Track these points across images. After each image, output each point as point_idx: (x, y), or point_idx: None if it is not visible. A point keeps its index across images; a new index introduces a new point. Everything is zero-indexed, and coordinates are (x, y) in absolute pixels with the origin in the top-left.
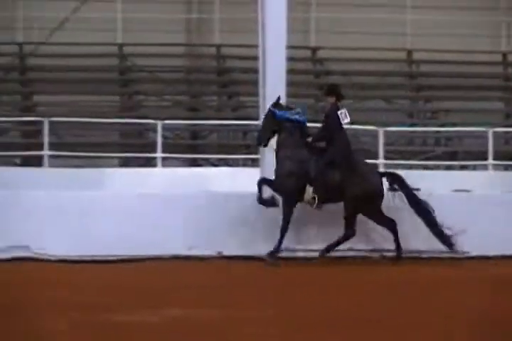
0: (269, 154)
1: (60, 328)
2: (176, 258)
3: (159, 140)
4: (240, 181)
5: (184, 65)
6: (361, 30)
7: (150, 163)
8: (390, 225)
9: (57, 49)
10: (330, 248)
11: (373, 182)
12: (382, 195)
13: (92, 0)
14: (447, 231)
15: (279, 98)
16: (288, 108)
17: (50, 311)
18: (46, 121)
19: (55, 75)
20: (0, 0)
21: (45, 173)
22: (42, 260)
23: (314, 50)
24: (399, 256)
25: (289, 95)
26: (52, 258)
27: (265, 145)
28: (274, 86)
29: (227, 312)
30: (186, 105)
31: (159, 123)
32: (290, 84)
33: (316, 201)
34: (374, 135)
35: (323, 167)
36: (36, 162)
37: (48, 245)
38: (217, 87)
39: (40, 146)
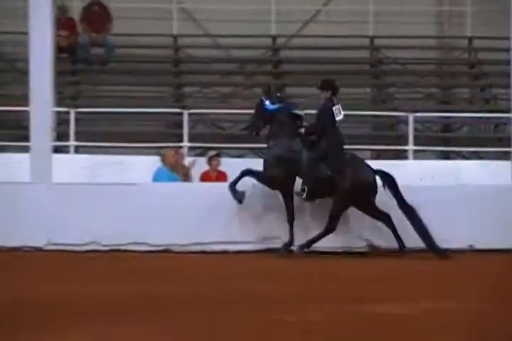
0: None
1: (315, 319)
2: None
3: (411, 132)
4: (491, 174)
5: (435, 57)
6: None
7: (401, 155)
8: (385, 219)
9: (309, 41)
10: (309, 243)
11: (366, 178)
12: (375, 190)
13: None
14: (432, 235)
15: (269, 87)
16: (278, 97)
17: (305, 302)
18: None
19: (307, 67)
20: None
21: None
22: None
23: None
24: (400, 249)
25: None
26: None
27: (257, 134)
28: None
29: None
30: (438, 97)
31: (411, 116)
32: None
33: (305, 193)
34: None
35: (313, 161)
36: None
37: None
38: (469, 79)
39: None
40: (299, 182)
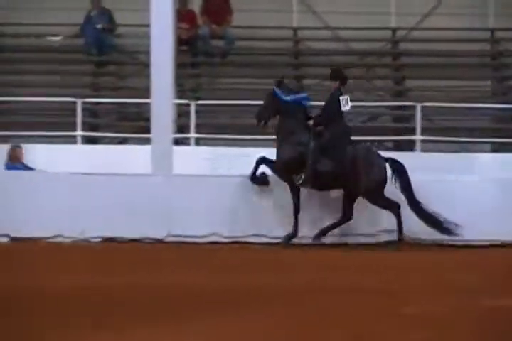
0: None
1: (441, 310)
2: None
3: None
4: None
5: None
6: None
7: None
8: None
9: (429, 34)
10: (324, 232)
11: (380, 172)
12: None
13: None
14: (443, 220)
15: (282, 78)
16: (290, 89)
17: (434, 294)
18: (418, 106)
19: (427, 60)
20: None
21: (417, 158)
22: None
23: None
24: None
25: None
26: (412, 241)
27: (265, 124)
28: None
29: None
30: None
31: None
32: None
33: (302, 180)
34: None
35: (316, 151)
36: (408, 146)
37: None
38: None
39: (412, 131)
40: None
